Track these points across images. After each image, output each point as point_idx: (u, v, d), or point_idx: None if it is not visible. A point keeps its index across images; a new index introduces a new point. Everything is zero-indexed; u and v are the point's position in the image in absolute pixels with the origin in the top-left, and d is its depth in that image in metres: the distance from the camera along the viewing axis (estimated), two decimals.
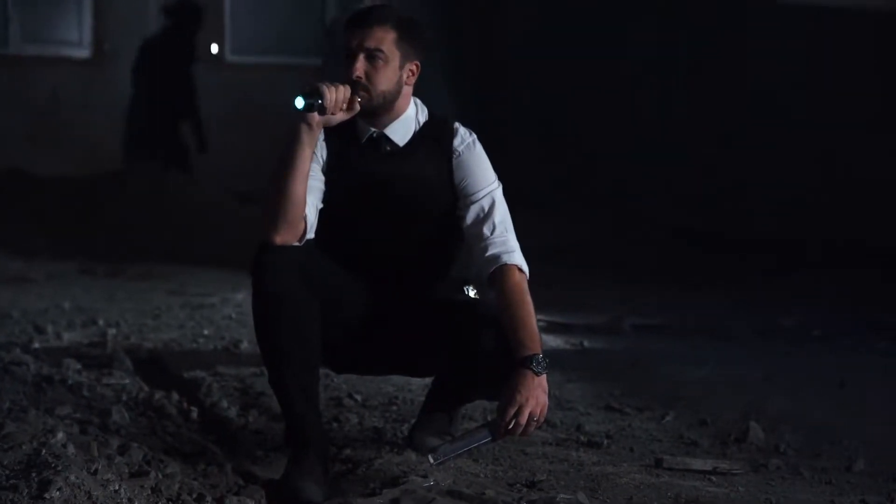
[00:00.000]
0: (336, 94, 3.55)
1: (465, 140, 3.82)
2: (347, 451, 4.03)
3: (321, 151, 3.74)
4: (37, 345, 5.58)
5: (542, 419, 3.56)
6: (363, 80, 3.64)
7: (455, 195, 3.80)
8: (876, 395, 5.09)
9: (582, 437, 4.28)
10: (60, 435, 3.48)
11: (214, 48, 13.13)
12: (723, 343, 6.27)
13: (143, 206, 9.41)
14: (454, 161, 3.81)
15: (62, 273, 8.09)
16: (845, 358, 5.89)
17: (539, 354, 3.57)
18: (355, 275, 3.78)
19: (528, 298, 3.68)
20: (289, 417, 3.68)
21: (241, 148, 12.71)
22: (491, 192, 3.80)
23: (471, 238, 3.79)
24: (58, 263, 8.38)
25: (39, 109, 11.97)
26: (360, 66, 3.64)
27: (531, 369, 3.54)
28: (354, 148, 3.77)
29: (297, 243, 3.59)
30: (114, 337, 5.85)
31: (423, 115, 3.84)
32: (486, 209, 3.78)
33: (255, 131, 12.80)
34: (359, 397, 4.70)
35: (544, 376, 3.56)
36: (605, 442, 4.23)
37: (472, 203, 3.78)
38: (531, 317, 3.65)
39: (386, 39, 3.66)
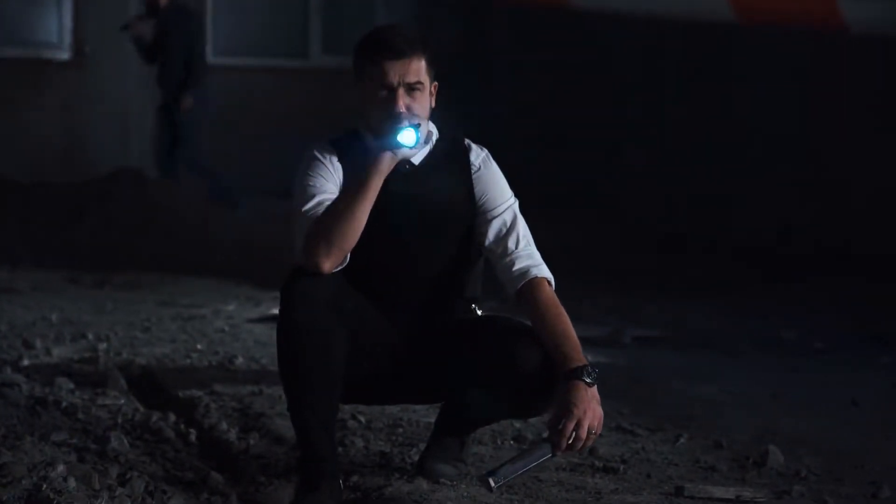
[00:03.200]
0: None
1: (480, 155, 3.75)
2: (355, 478, 3.88)
3: (337, 174, 3.61)
4: (26, 362, 5.42)
5: (598, 431, 3.46)
6: (407, 114, 3.54)
7: (474, 211, 3.71)
8: (891, 415, 4.98)
9: (597, 462, 4.13)
10: (61, 467, 3.34)
11: None
12: (725, 357, 6.16)
13: (127, 212, 9.24)
14: (474, 176, 3.72)
15: (48, 282, 7.93)
16: (851, 374, 5.80)
17: (588, 365, 3.49)
18: (375, 300, 3.65)
19: (564, 310, 3.61)
20: (304, 448, 3.59)
21: (222, 150, 12.59)
22: (511, 205, 3.73)
23: (494, 253, 3.70)
24: (43, 272, 8.22)
25: (20, 113, 11.78)
26: (403, 101, 3.54)
27: (583, 381, 3.44)
28: None
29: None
30: (105, 352, 5.71)
31: (435, 133, 3.73)
32: (509, 223, 3.70)
33: (237, 133, 12.69)
34: (363, 419, 4.55)
35: (595, 387, 3.47)
36: (621, 467, 4.10)
37: (494, 218, 3.70)
38: (571, 328, 3.58)
39: (421, 69, 3.57)
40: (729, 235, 9.47)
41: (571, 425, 3.38)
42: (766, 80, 9.43)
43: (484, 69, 12.30)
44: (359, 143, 3.64)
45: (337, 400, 3.65)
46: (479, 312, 3.82)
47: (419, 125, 3.51)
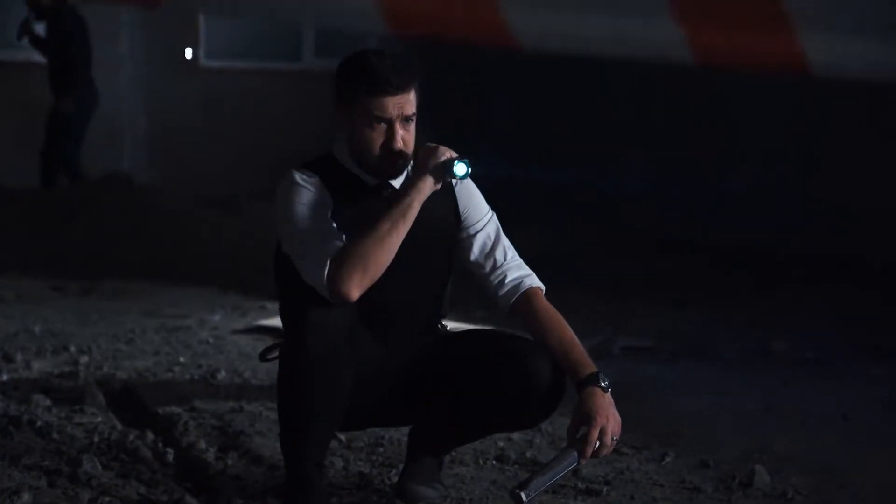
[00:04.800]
0: None
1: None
2: (334, 501, 3.82)
3: (326, 199, 3.53)
4: (4, 376, 5.34)
5: (618, 436, 3.47)
6: (405, 149, 3.53)
7: (458, 227, 3.67)
8: (881, 430, 4.91)
9: (580, 484, 4.06)
10: (26, 496, 3.26)
11: (188, 52, 12.93)
12: (717, 368, 6.08)
13: (115, 219, 9.15)
14: (456, 190, 3.69)
15: (33, 291, 7.82)
16: (844, 386, 5.70)
17: (600, 372, 3.49)
18: (369, 325, 3.58)
19: (563, 317, 3.61)
20: (294, 476, 3.54)
21: (216, 154, 12.52)
22: (491, 217, 3.71)
23: (482, 268, 3.66)
24: (28, 280, 8.11)
25: (6, 116, 11.69)
26: (401, 135, 3.51)
27: (600, 387, 3.45)
28: (364, 196, 3.58)
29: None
30: (86, 366, 5.62)
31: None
32: (493, 236, 3.68)
33: (229, 137, 12.62)
34: (343, 437, 4.46)
35: (610, 392, 3.47)
36: (605, 489, 4.03)
37: (478, 232, 3.67)
38: (575, 336, 3.58)
39: (414, 100, 3.54)
40: (723, 243, 9.38)
41: (596, 433, 3.40)
42: (762, 83, 9.34)
43: (478, 78, 12.21)
44: (341, 171, 3.59)
45: (333, 434, 3.68)
46: (448, 328, 3.78)
47: (467, 159, 3.50)
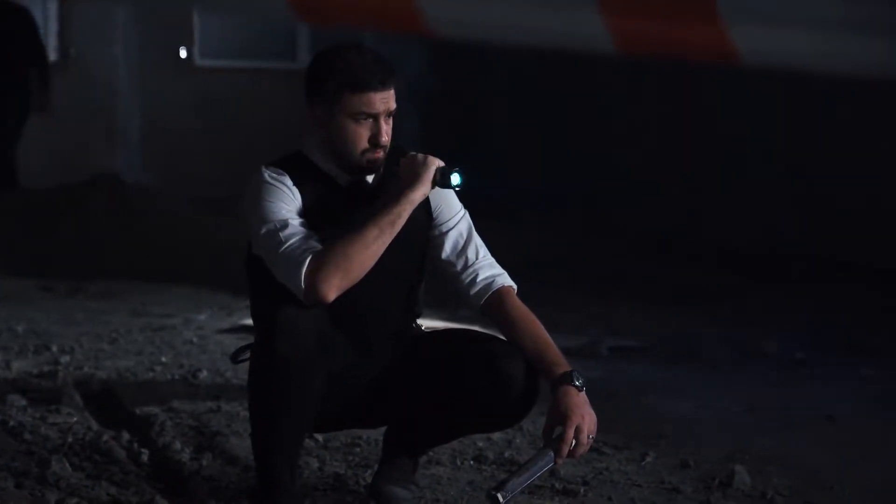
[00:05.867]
0: None
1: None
2: (307, 502, 3.77)
3: (297, 198, 3.48)
4: None
5: (594, 434, 3.43)
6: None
7: (430, 225, 3.63)
8: (867, 431, 4.86)
9: (557, 485, 4.01)
10: None
11: (183, 52, 12.90)
12: (703, 368, 6.02)
13: (105, 218, 9.09)
14: None
15: (20, 291, 7.77)
16: (832, 386, 5.65)
17: (574, 370, 3.47)
18: (344, 326, 3.52)
19: (535, 317, 3.57)
20: (264, 478, 3.50)
21: (210, 154, 12.48)
22: (464, 215, 3.67)
23: (453, 266, 3.62)
24: (15, 280, 8.06)
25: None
26: (387, 130, 3.49)
27: (574, 386, 3.42)
28: (336, 195, 3.53)
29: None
30: (66, 366, 5.57)
31: None
32: (465, 234, 3.64)
33: (224, 137, 12.59)
34: (320, 437, 4.40)
35: (584, 390, 3.44)
36: (582, 489, 3.97)
37: (450, 229, 3.63)
38: (548, 335, 3.54)
39: (394, 94, 3.50)
40: (714, 243, 9.33)
41: (571, 432, 3.36)
42: (755, 85, 9.28)
43: (477, 76, 12.17)
44: (311, 168, 3.54)
45: (305, 436, 3.61)
46: (423, 328, 3.74)
47: (458, 168, 3.49)
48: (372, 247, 3.36)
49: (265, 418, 3.45)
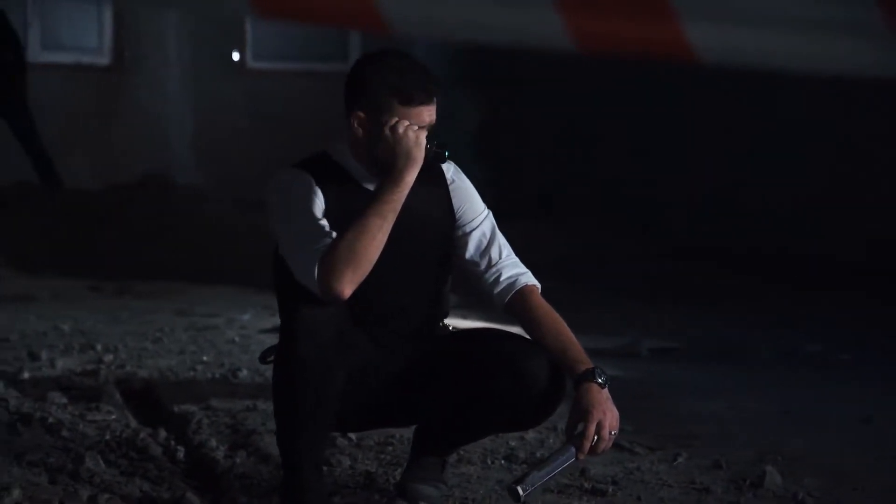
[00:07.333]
0: None
1: (451, 166, 3.67)
2: (336, 500, 3.80)
3: (319, 198, 3.50)
4: (27, 374, 5.36)
5: (616, 431, 3.45)
6: None
7: (453, 225, 3.64)
8: None
9: (586, 484, 4.01)
10: (17, 492, 3.26)
11: (236, 54, 12.99)
12: (742, 370, 6.01)
13: (153, 219, 9.19)
14: (451, 188, 3.66)
15: (69, 291, 7.89)
16: (872, 388, 5.62)
17: (597, 367, 3.47)
18: (365, 325, 3.57)
19: (559, 315, 3.59)
20: (291, 477, 3.54)
21: (261, 155, 12.55)
22: (487, 216, 3.68)
23: (477, 266, 3.64)
24: (65, 280, 8.18)
25: (55, 119, 11.79)
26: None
27: (597, 383, 3.43)
28: (360, 197, 3.52)
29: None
30: (109, 364, 5.64)
31: None
32: (489, 234, 3.65)
33: (275, 138, 12.65)
34: (353, 436, 4.44)
35: (607, 387, 3.46)
36: (611, 489, 3.98)
37: (473, 230, 3.65)
38: (571, 333, 3.56)
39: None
40: (756, 245, 9.28)
41: (593, 427, 3.38)
42: (790, 87, 9.22)
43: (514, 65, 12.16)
44: (336, 171, 3.56)
45: (329, 434, 3.64)
46: (451, 328, 3.77)
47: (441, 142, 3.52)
48: (378, 236, 3.38)
49: (288, 417, 3.49)
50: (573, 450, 3.40)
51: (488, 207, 3.73)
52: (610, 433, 3.41)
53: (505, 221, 3.78)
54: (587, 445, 3.39)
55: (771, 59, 1.63)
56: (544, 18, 1.63)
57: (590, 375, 3.44)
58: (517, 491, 3.33)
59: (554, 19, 1.63)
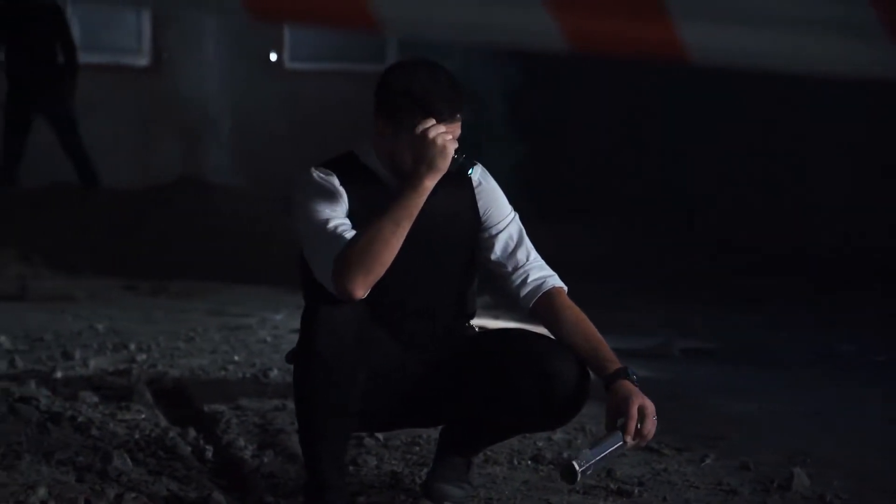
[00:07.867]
0: None
1: (478, 169, 3.63)
2: (361, 500, 3.81)
3: (343, 197, 3.51)
4: (59, 374, 5.39)
5: (656, 418, 3.44)
6: None
7: (479, 227, 3.64)
8: None
9: (612, 485, 4.01)
10: (42, 491, 3.28)
11: (273, 55, 13.04)
12: (774, 371, 5.98)
13: (189, 219, 9.23)
14: (477, 191, 3.66)
15: (105, 290, 7.94)
16: None
17: (629, 367, 3.49)
18: (387, 325, 3.58)
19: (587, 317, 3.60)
20: (312, 475, 3.56)
21: (298, 156, 12.58)
22: (514, 218, 3.68)
23: (504, 268, 3.64)
24: (101, 280, 8.23)
25: (93, 119, 11.86)
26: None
27: (630, 380, 3.45)
28: (385, 196, 3.51)
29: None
30: (141, 364, 5.67)
31: None
32: (516, 236, 3.65)
33: (312, 139, 12.68)
34: (381, 436, 4.45)
35: (638, 387, 3.46)
36: (636, 490, 3.97)
37: (500, 232, 3.64)
38: (599, 334, 3.57)
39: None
40: (787, 246, 9.23)
41: (635, 409, 3.38)
42: (835, 86, 9.16)
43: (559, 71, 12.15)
44: (362, 171, 3.57)
45: (350, 432, 3.64)
46: (477, 328, 3.77)
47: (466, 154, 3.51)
48: (391, 241, 3.37)
49: (308, 415, 3.51)
50: (620, 434, 3.39)
51: (518, 210, 3.73)
52: (653, 417, 3.40)
53: (540, 222, 3.78)
54: (633, 426, 3.37)
55: (764, 60, 1.63)
56: (537, 19, 1.63)
57: (622, 374, 3.46)
58: (573, 466, 3.29)
59: (547, 20, 1.63)
